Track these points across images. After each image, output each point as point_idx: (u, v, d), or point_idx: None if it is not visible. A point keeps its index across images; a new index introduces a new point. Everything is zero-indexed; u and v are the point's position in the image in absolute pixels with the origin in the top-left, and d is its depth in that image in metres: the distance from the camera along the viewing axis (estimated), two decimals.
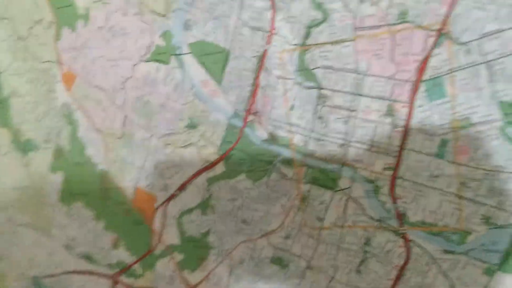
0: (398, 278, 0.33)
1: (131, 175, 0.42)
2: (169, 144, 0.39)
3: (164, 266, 0.42)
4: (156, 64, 0.38)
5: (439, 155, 0.30)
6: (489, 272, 0.30)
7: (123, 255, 0.44)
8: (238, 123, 0.36)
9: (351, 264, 0.35)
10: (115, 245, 0.44)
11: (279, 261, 0.37)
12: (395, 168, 0.31)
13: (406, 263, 0.33)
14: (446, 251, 0.31)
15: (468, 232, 0.30)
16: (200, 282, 0.40)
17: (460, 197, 0.30)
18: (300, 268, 0.37)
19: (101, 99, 0.42)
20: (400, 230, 0.32)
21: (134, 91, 0.40)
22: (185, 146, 0.39)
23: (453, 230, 0.31)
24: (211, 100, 0.37)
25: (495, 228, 0.30)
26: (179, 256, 0.41)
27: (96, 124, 0.42)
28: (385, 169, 0.32)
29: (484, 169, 0.29)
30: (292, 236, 0.36)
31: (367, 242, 0.34)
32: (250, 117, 0.35)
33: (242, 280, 0.38)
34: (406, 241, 0.32)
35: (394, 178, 0.32)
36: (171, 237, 0.41)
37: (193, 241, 0.40)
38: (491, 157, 0.29)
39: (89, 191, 0.43)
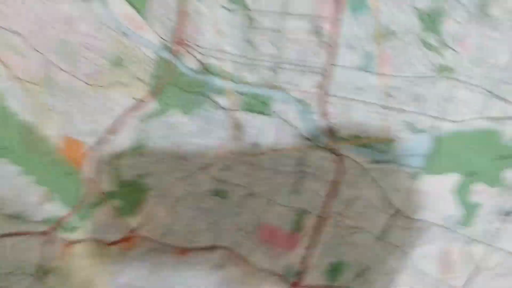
0: (333, 192, 0.34)
1: (57, 123, 0.39)
2: (94, 84, 0.37)
3: (102, 215, 0.40)
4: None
5: (365, 68, 0.31)
6: (415, 175, 0.32)
7: (57, 209, 0.42)
8: (167, 55, 0.34)
9: (289, 185, 0.35)
10: (46, 200, 0.41)
11: (219, 193, 0.37)
12: (324, 84, 0.32)
13: (340, 177, 0.34)
14: (376, 161, 0.33)
15: (393, 140, 0.32)
16: (141, 225, 0.39)
17: (385, 107, 0.32)
18: (241, 197, 0.37)
19: (17, 44, 0.38)
20: (332, 146, 0.33)
21: (53, 31, 0.37)
22: (113, 86, 0.37)
23: (380, 140, 0.32)
24: (136, 34, 0.35)
25: (418, 133, 0.32)
26: (116, 203, 0.39)
27: (14, 72, 0.39)
28: (314, 87, 0.32)
29: (406, 77, 0.31)
30: (231, 167, 0.36)
31: (303, 162, 0.35)
32: (179, 48, 0.34)
33: (184, 216, 0.38)
34: (338, 155, 0.34)
35: (323, 94, 0.32)
36: (107, 183, 0.39)
37: (130, 185, 0.38)
38: (411, 65, 0.31)
39: (13, 145, 0.40)
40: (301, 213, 0.35)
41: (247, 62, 0.34)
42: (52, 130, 0.38)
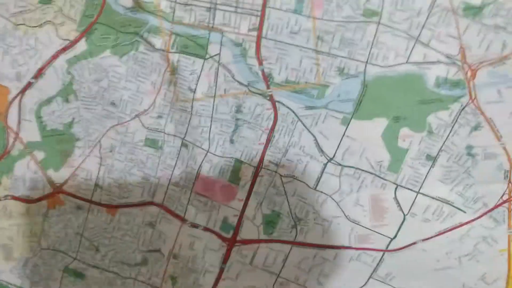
0: (268, 141, 0.34)
1: None
2: (21, 24, 0.35)
3: (24, 168, 0.37)
4: None
5: (297, 11, 0.31)
6: (345, 121, 0.33)
7: None
8: None
9: (225, 134, 0.35)
10: None
11: (153, 143, 0.35)
12: (259, 27, 0.32)
13: (274, 125, 0.34)
14: (308, 107, 0.33)
15: (325, 86, 0.32)
16: (67, 180, 0.36)
17: (317, 52, 0.32)
18: (175, 148, 0.35)
19: None
20: (267, 92, 0.33)
21: None
22: (40, 25, 0.35)
23: (313, 85, 0.33)
24: None
25: (348, 78, 0.32)
26: (40, 155, 0.37)
27: None
28: (250, 30, 0.32)
29: (336, 21, 0.31)
30: (165, 114, 0.35)
31: (238, 110, 0.34)
32: None
33: (114, 170, 0.36)
34: (273, 102, 0.33)
35: (259, 38, 0.32)
36: (30, 133, 0.36)
37: (55, 135, 0.36)
38: (342, 9, 0.31)
39: None
40: (237, 163, 0.34)
41: (184, 1, 0.33)
42: None
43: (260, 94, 0.34)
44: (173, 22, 0.34)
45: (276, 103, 0.33)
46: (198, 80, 0.34)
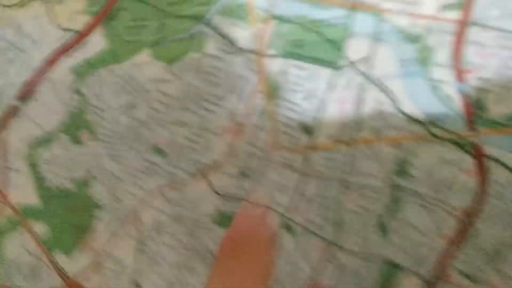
0: (461, 233, 0.15)
1: None
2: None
3: (17, 247, 0.21)
4: None
5: None
6: None
7: None
8: None
9: (368, 214, 0.16)
10: None
11: (227, 220, 0.17)
12: (466, 2, 0.13)
13: (478, 204, 0.15)
14: None
15: None
16: (85, 271, 0.20)
17: None
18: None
19: None
20: (469, 138, 0.14)
21: None
22: (22, 4, 0.17)
23: None
24: None
25: None
26: (40, 227, 0.20)
27: None
28: (445, 7, 0.13)
29: None
30: (252, 172, 0.17)
31: (401, 170, 0.16)
32: None
33: (162, 262, 0.19)
34: (480, 159, 0.14)
35: (463, 24, 0.13)
36: (21, 191, 0.20)
37: (63, 197, 0.19)
38: None
39: None
40: (390, 269, 0.16)
41: None
42: None
43: (452, 142, 0.14)
44: None
45: (488, 161, 0.14)
46: (320, 111, 0.15)
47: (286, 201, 0.20)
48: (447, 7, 0.16)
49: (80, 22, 0.19)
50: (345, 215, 0.20)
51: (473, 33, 0.16)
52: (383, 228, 0.19)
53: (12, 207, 0.23)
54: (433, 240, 0.19)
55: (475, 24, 0.16)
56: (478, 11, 0.16)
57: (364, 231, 0.19)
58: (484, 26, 0.16)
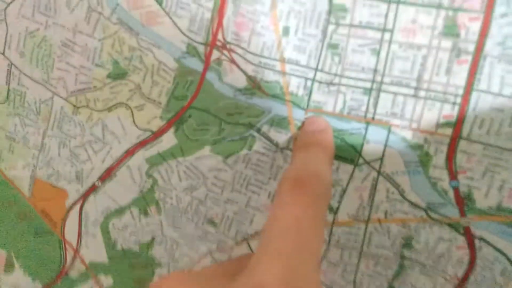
0: None
1: (25, 159, 0.25)
2: (83, 106, 0.23)
3: None
4: None
5: None
6: None
7: (21, 281, 0.27)
8: (196, 64, 0.20)
9: (381, 278, 0.21)
10: (7, 268, 0.27)
11: None
12: (457, 122, 0.18)
13: (468, 273, 0.20)
14: None
15: None
16: None
17: None
18: None
19: None
20: (461, 222, 0.19)
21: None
22: (109, 109, 0.23)
23: None
24: (148, 28, 0.21)
25: None
26: (107, 281, 0.25)
27: None
28: (440, 125, 0.18)
29: None
30: None
31: (407, 244, 0.20)
32: (216, 53, 0.20)
33: None
34: (470, 238, 0.19)
35: (455, 139, 0.18)
36: (94, 252, 0.25)
37: (128, 257, 0.24)
38: None
39: None
40: None
41: (327, 80, 0.19)
42: (19, 170, 0.24)
43: (448, 225, 0.19)
44: (308, 110, 0.20)
45: (476, 240, 0.19)
46: (342, 196, 0.20)
47: None
48: (441, 125, 0.21)
49: (156, 125, 0.24)
50: (362, 278, 0.24)
51: (463, 145, 0.21)
52: None
53: (85, 264, 0.28)
54: None
55: (464, 138, 0.21)
56: (466, 129, 0.21)
57: None
58: (471, 141, 0.21)
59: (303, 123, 0.21)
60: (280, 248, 0.14)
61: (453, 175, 0.20)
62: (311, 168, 0.17)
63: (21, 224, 0.27)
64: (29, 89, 0.25)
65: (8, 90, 0.25)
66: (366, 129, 0.20)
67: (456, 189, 0.20)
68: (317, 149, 0.19)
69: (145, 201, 0.24)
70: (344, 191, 0.21)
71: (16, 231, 0.27)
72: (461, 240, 0.20)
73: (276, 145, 0.22)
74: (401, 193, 0.21)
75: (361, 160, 0.21)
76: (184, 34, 0.21)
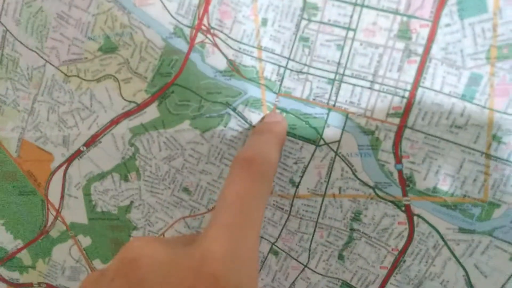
0: (394, 266, 0.23)
1: (14, 121, 0.27)
2: (73, 75, 0.25)
3: (64, 254, 0.28)
4: None
5: (467, 97, 0.20)
6: None
7: (4, 238, 0.29)
8: (181, 44, 0.23)
9: (332, 247, 0.24)
10: None
11: None
12: (404, 113, 0.21)
13: (407, 245, 0.23)
14: (463, 230, 0.22)
15: (495, 205, 0.21)
16: None
17: (489, 156, 0.21)
18: (261, 254, 0.25)
19: None
20: (402, 201, 0.22)
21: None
22: (98, 79, 0.25)
23: (475, 201, 0.21)
24: (139, 8, 0.23)
25: None
26: (85, 241, 0.27)
27: None
28: (390, 115, 0.21)
29: None
30: None
31: (356, 217, 0.24)
32: (200, 36, 0.23)
33: None
34: (410, 215, 0.23)
35: (401, 127, 0.22)
36: (75, 213, 0.27)
37: (107, 219, 0.27)
38: None
39: None
40: None
41: (297, 68, 0.22)
42: (7, 131, 0.26)
43: (391, 202, 0.23)
44: (279, 94, 0.23)
45: (415, 217, 0.23)
46: (304, 172, 0.23)
47: (275, 233, 0.28)
48: (391, 115, 0.24)
49: (141, 97, 0.27)
50: (316, 247, 0.28)
51: (408, 133, 0.24)
52: (342, 258, 0.27)
53: (65, 224, 0.31)
54: (376, 269, 0.27)
55: (409, 127, 0.24)
56: (411, 119, 0.24)
57: (329, 259, 0.27)
58: (414, 130, 0.24)
59: (262, 117, 0.24)
60: (224, 221, 0.16)
61: (398, 159, 0.23)
62: (259, 149, 0.19)
63: (6, 184, 0.29)
64: (22, 56, 0.26)
65: (2, 55, 0.27)
66: (328, 114, 0.24)
67: (400, 172, 0.24)
68: (269, 135, 0.21)
69: (126, 168, 0.27)
70: (305, 168, 0.25)
71: (2, 190, 0.29)
72: (403, 216, 0.24)
73: (250, 123, 0.24)
74: (354, 172, 0.24)
75: (321, 142, 0.24)
76: (173, 17, 0.24)
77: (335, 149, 0.24)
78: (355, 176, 0.24)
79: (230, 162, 0.25)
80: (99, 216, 0.28)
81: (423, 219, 0.24)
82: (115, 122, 0.26)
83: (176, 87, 0.25)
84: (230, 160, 0.25)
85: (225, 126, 0.25)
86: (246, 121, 0.24)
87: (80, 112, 0.26)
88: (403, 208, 0.24)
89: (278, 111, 0.24)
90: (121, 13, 0.24)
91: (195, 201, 0.26)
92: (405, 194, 0.23)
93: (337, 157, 0.24)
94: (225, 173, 0.25)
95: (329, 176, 0.24)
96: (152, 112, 0.25)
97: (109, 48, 0.25)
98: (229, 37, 0.23)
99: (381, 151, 0.23)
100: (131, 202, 0.27)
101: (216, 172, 0.25)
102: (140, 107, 0.25)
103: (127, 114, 0.26)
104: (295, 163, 0.24)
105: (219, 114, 0.24)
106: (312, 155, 0.24)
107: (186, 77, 0.24)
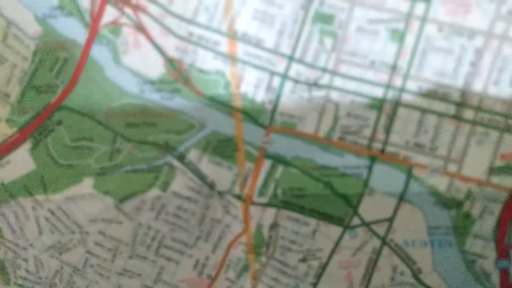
0: None
1: None
2: None
3: None
4: None
5: None
6: None
7: None
8: (74, 29, 0.10)
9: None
10: None
11: None
12: None
13: None
14: None
15: None
16: None
17: None
18: None
19: None
20: None
21: None
22: None
23: None
24: None
25: None
26: None
27: None
28: (495, 170, 0.09)
29: None
30: None
31: None
32: (110, 12, 0.10)
33: None
34: None
35: None
36: None
37: None
38: None
39: None
40: None
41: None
42: None
43: None
44: (271, 128, 0.11)
45: None
46: (320, 275, 0.11)
47: None
48: (496, 169, 0.12)
49: (1, 133, 0.14)
50: None
51: None
52: None
53: None
54: None
55: None
56: None
57: None
58: None
59: None
60: None
61: (503, 251, 0.11)
62: None
63: None
64: None
65: None
66: (370, 168, 0.11)
67: (504, 272, 0.11)
68: None
69: None
70: (323, 268, 0.12)
71: None
72: None
73: (211, 185, 0.12)
74: (416, 274, 0.12)
75: (355, 220, 0.11)
76: None
77: (381, 235, 0.11)
78: (418, 280, 0.12)
79: (176, 255, 0.13)
80: None
81: None
82: None
83: (65, 112, 0.12)
84: (175, 250, 0.13)
85: (163, 190, 0.12)
86: (205, 181, 0.12)
87: None
88: None
89: (267, 162, 0.11)
90: None
91: None
92: None
93: (385, 247, 0.11)
94: (167, 273, 0.13)
95: (368, 281, 0.12)
96: (22, 162, 0.12)
97: None
98: (170, 12, 0.11)
99: (473, 237, 0.11)
100: None
101: (151, 273, 0.13)
102: (0, 151, 0.12)
103: None
104: (303, 259, 0.12)
105: (152, 166, 0.12)
106: (336, 244, 0.12)
107: (85, 93, 0.12)
